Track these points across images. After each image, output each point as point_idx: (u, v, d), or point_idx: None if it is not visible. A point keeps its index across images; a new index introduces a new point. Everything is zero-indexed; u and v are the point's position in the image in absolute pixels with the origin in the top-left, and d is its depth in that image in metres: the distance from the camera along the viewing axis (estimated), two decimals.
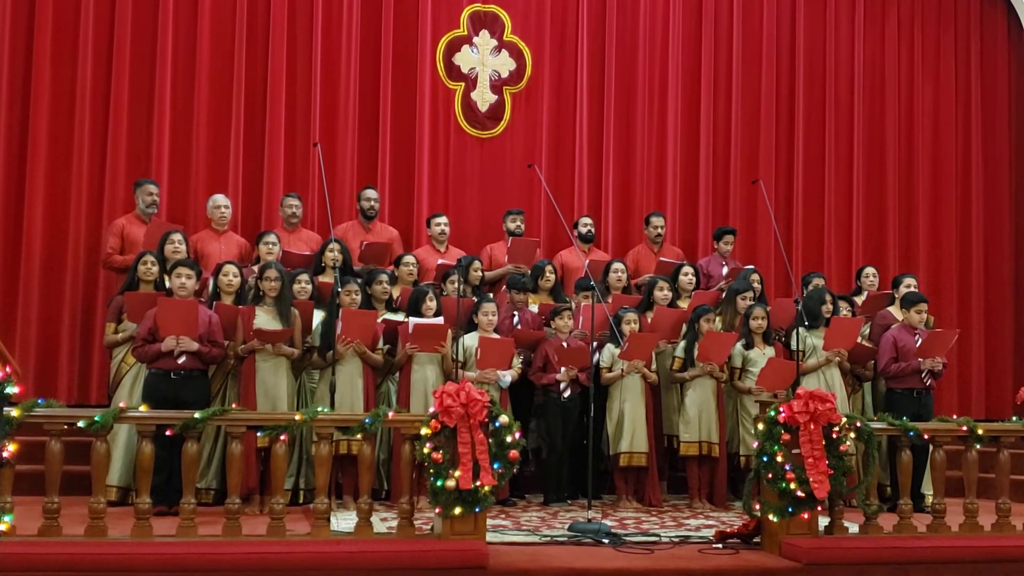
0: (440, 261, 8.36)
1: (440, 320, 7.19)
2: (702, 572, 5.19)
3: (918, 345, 7.47)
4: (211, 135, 9.15)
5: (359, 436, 5.42)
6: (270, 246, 7.75)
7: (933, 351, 7.43)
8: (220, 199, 8.42)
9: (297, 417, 5.24)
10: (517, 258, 8.59)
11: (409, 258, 8.14)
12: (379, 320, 7.22)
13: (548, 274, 8.33)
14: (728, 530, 5.87)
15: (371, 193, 8.84)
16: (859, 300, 8.79)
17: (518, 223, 9.01)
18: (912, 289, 8.25)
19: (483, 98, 10.00)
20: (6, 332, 8.21)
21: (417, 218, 9.53)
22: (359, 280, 7.37)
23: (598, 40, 10.25)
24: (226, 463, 5.44)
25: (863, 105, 10.89)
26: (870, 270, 9.11)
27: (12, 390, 3.87)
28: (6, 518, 3.85)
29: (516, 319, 7.89)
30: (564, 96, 10.19)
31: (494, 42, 10.07)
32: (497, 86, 10.04)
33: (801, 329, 7.47)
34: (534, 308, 8.11)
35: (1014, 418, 7.02)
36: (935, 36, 11.22)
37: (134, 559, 4.75)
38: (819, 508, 5.58)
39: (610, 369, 7.52)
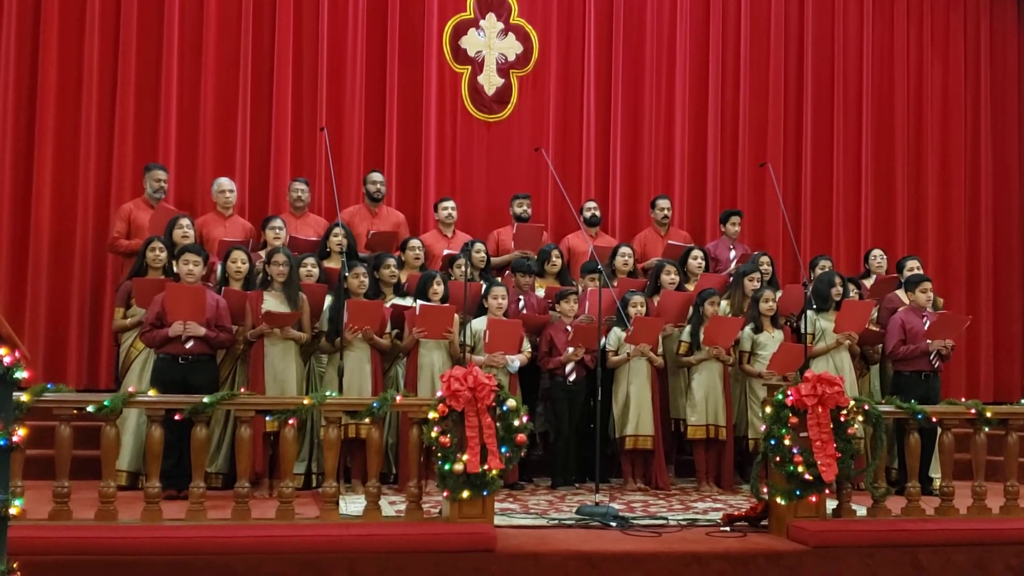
0: (446, 251, 8.34)
1: (446, 304, 7.19)
2: (710, 555, 5.20)
3: (927, 327, 7.46)
4: (218, 120, 9.14)
5: (367, 420, 5.43)
6: (277, 231, 7.75)
7: (943, 333, 7.41)
8: (225, 182, 8.41)
9: (306, 401, 5.28)
10: (523, 244, 8.58)
11: (415, 243, 8.13)
12: (387, 305, 7.23)
13: (554, 258, 8.33)
14: (736, 513, 5.89)
15: (377, 176, 8.83)
16: (868, 283, 8.76)
17: (524, 208, 8.99)
18: (916, 271, 8.23)
19: (490, 81, 9.97)
20: (15, 317, 8.23)
21: (424, 202, 9.51)
22: (366, 264, 7.37)
23: (605, 23, 10.19)
24: (235, 447, 5.47)
25: (872, 87, 10.81)
26: (877, 252, 9.06)
27: (21, 375, 3.87)
28: (17, 502, 3.86)
29: (522, 303, 7.89)
30: (571, 79, 10.15)
31: (501, 25, 10.03)
32: (504, 69, 10.00)
33: (810, 312, 7.45)
34: (541, 292, 8.11)
35: (1023, 400, 7.01)
36: (944, 17, 11.13)
37: (144, 543, 4.78)
38: (827, 491, 5.61)
39: (616, 353, 7.52)
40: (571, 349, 7.38)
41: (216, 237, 8.06)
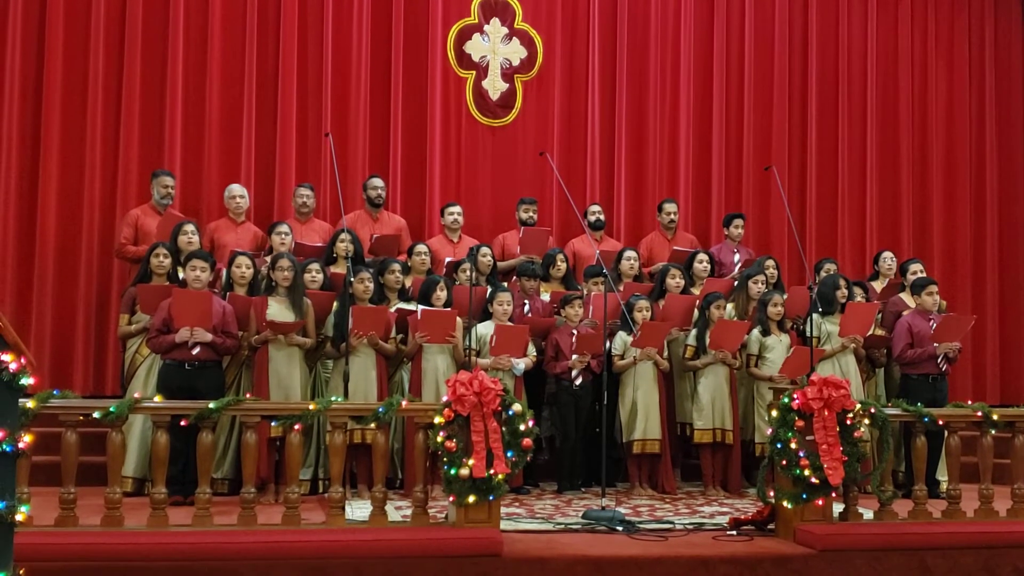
0: (448, 259, 8.33)
1: (448, 309, 7.19)
2: (716, 559, 5.18)
3: (933, 330, 7.44)
4: (223, 125, 9.16)
5: (373, 425, 5.43)
6: (282, 236, 7.75)
7: (949, 336, 7.39)
8: (236, 189, 8.42)
9: (311, 407, 5.26)
10: (529, 248, 8.57)
11: (421, 247, 8.12)
12: (392, 310, 7.23)
13: (559, 263, 8.31)
14: (742, 517, 5.88)
15: (377, 182, 8.83)
16: (876, 285, 8.74)
17: (531, 213, 8.99)
18: (920, 274, 8.21)
19: (494, 86, 9.98)
20: (21, 323, 8.25)
21: (429, 207, 9.52)
22: (371, 270, 7.37)
23: (609, 26, 10.20)
24: (241, 453, 5.47)
25: (876, 90, 10.81)
26: (887, 254, 9.01)
27: (27, 381, 3.87)
28: (23, 508, 3.86)
29: (527, 307, 7.88)
30: (576, 83, 10.15)
31: (505, 30, 10.04)
32: (508, 74, 10.01)
33: (816, 315, 7.43)
34: (546, 297, 8.10)
35: None
36: (949, 20, 11.13)
37: (150, 549, 4.77)
38: (833, 494, 5.58)
39: (622, 357, 7.51)
40: (575, 356, 7.37)
41: (227, 243, 8.06)
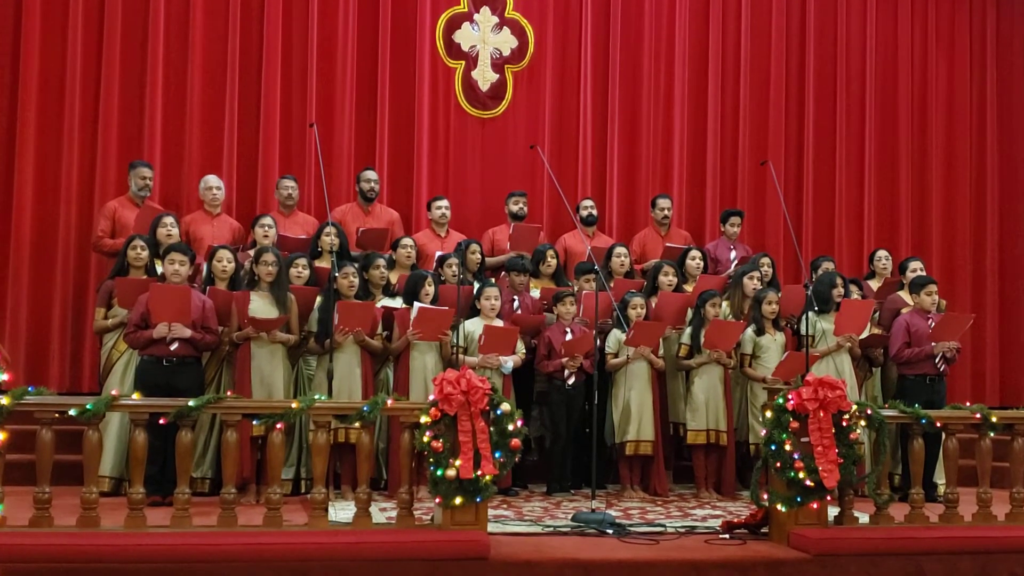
0: (439, 254, 8.21)
1: (444, 307, 7.08)
2: (708, 563, 5.14)
3: (931, 329, 7.36)
4: (205, 116, 9.01)
5: (357, 424, 5.34)
6: (266, 229, 7.63)
7: (947, 335, 7.32)
8: (212, 180, 8.30)
9: (294, 405, 5.19)
10: (519, 245, 8.46)
11: (407, 241, 8.01)
12: (378, 305, 7.12)
13: (550, 259, 8.22)
14: (735, 520, 5.81)
15: (371, 174, 8.71)
16: (872, 284, 8.67)
17: (520, 205, 8.87)
18: (920, 273, 8.13)
19: (484, 77, 9.85)
20: None
21: (416, 201, 9.41)
22: (356, 264, 7.24)
23: (602, 16, 10.09)
24: (221, 452, 5.38)
25: (875, 84, 10.72)
26: (882, 253, 8.95)
27: (1, 378, 3.77)
28: None
29: (516, 303, 7.77)
30: (567, 74, 10.04)
31: (495, 19, 9.91)
32: (498, 64, 9.89)
33: (811, 314, 7.35)
34: (535, 293, 8.00)
35: None
36: (950, 14, 11.05)
37: (127, 550, 4.71)
38: (828, 498, 5.53)
39: (615, 355, 7.40)
40: (566, 359, 7.27)
41: (203, 236, 7.96)
